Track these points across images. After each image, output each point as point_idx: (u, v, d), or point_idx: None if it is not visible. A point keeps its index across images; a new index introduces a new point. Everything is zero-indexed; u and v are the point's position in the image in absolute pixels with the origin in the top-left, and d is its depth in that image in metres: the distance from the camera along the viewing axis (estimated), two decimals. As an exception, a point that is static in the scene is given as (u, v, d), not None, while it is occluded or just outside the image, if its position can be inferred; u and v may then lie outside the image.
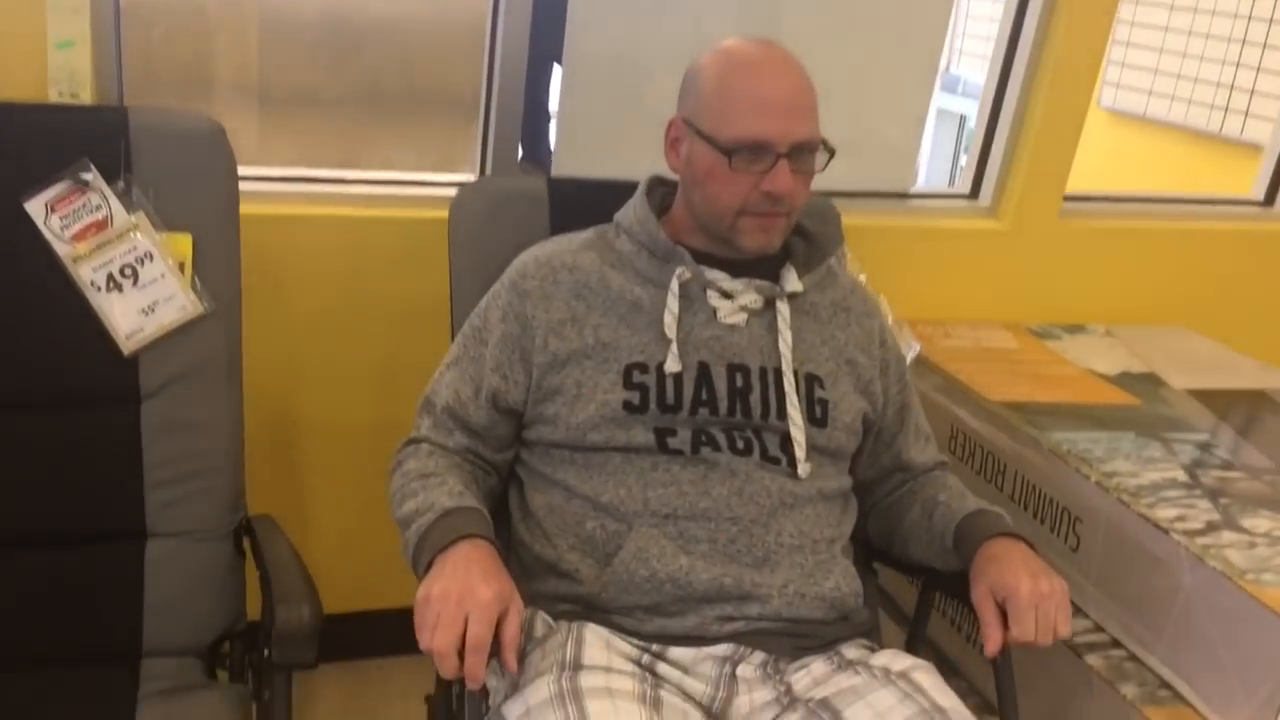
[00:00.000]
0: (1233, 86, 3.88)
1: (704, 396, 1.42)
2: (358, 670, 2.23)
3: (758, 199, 1.40)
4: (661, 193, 1.55)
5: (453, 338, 1.59)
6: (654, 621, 1.37)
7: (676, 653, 1.36)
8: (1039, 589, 1.34)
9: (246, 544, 1.59)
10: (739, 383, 1.44)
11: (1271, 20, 3.72)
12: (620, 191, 1.57)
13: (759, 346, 1.46)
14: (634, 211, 1.51)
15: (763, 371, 1.45)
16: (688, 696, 1.34)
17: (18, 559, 1.51)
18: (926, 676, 1.33)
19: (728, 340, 1.45)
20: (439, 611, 1.19)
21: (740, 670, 1.35)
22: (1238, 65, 3.86)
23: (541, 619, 1.40)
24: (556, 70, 2.97)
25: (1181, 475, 1.79)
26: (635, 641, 1.37)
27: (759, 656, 1.36)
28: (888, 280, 2.38)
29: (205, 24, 2.26)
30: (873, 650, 1.43)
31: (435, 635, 1.18)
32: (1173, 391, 2.15)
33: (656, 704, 1.27)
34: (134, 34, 1.86)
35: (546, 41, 2.06)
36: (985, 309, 2.44)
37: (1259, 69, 3.78)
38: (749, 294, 1.46)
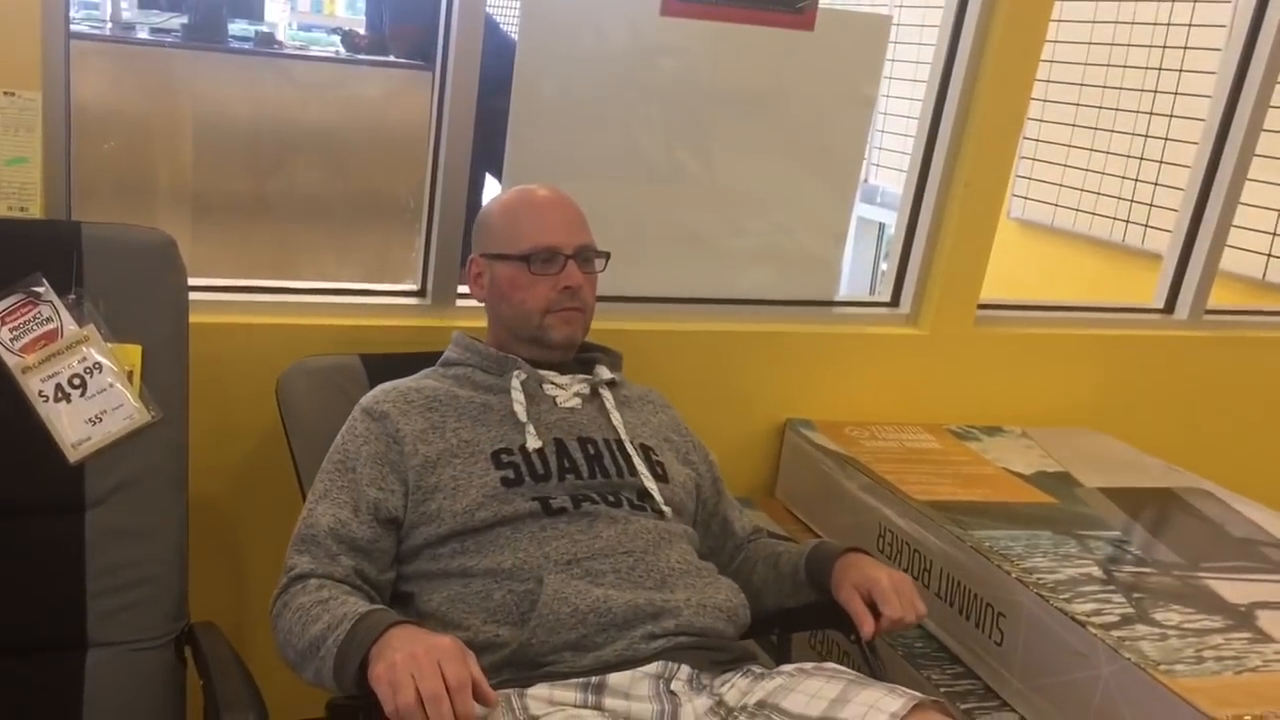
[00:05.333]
0: (1133, 200, 4.09)
1: (566, 465, 1.62)
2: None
3: (558, 296, 1.67)
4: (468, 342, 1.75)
5: (303, 499, 1.63)
6: (587, 656, 1.48)
7: (615, 678, 1.47)
8: (895, 576, 1.62)
9: (188, 651, 1.59)
10: (591, 451, 1.65)
11: (1166, 139, 3.95)
12: (427, 361, 1.78)
13: (597, 424, 1.69)
14: (456, 347, 1.75)
15: (607, 442, 1.67)
16: None
17: (-46, 671, 1.49)
18: (838, 665, 1.49)
19: (571, 420, 1.67)
20: (411, 671, 1.25)
21: (673, 685, 1.47)
22: (1137, 180, 4.08)
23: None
24: (489, 181, 3.06)
25: (1097, 571, 1.87)
26: (575, 682, 1.46)
27: (685, 671, 1.49)
28: (814, 385, 2.47)
29: (143, 134, 2.31)
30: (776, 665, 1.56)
31: (422, 684, 1.23)
32: (1086, 490, 2.25)
33: None
34: (80, 147, 1.90)
35: (481, 150, 2.13)
36: (908, 412, 2.52)
37: (1156, 184, 3.99)
38: (577, 384, 1.71)
